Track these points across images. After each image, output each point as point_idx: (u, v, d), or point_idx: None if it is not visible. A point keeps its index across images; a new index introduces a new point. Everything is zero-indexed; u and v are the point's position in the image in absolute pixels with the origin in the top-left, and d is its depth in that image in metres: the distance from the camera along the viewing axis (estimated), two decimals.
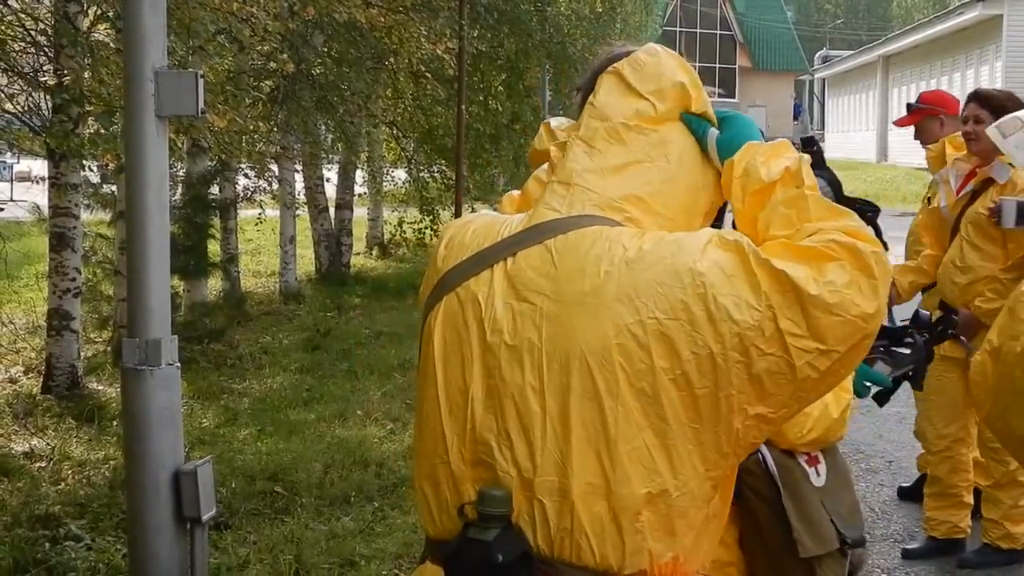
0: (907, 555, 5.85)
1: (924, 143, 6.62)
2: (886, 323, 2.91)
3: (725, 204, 2.21)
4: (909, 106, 6.74)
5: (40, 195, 11.22)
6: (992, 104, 5.47)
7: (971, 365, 3.21)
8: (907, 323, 2.99)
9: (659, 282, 1.91)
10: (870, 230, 1.98)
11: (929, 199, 6.68)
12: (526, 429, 1.95)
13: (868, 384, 2.74)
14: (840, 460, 2.74)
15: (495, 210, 2.45)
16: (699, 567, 2.05)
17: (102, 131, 7.95)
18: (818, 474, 2.53)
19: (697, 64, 60.59)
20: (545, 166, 2.35)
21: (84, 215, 9.70)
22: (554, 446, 1.92)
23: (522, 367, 1.96)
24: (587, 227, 2.01)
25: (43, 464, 7.03)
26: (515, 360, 1.97)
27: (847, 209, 2.02)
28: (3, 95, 9.13)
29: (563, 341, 1.94)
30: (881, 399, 3.10)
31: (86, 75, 8.02)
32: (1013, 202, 5.34)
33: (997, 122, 4.62)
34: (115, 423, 7.69)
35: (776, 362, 1.90)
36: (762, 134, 2.18)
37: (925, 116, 6.55)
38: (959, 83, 36.50)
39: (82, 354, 9.12)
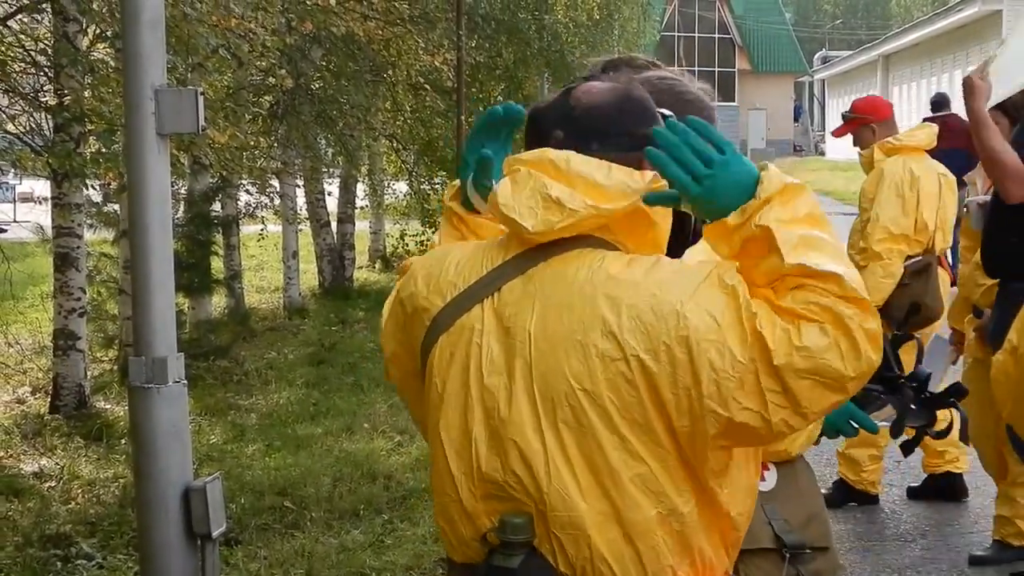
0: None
1: (862, 148, 6.68)
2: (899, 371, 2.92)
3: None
4: (844, 116, 6.81)
5: (43, 215, 11.26)
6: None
7: (993, 364, 3.20)
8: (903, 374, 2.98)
9: (644, 320, 1.90)
10: (857, 278, 1.90)
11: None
12: (530, 467, 1.95)
13: (855, 425, 2.74)
14: (803, 478, 2.75)
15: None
16: (725, 569, 2.07)
17: (103, 150, 7.96)
18: (763, 479, 2.55)
19: (696, 69, 60.71)
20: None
21: (87, 234, 9.71)
22: (559, 482, 1.93)
23: (520, 407, 1.97)
24: (568, 251, 2.00)
25: (53, 484, 7.03)
26: (512, 400, 1.97)
27: (825, 238, 1.93)
28: (5, 116, 9.16)
29: (554, 378, 1.94)
30: (907, 449, 3.11)
31: (86, 94, 8.04)
32: (976, 203, 5.39)
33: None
34: (123, 441, 7.69)
35: (754, 417, 1.89)
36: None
37: (858, 125, 6.63)
38: (960, 80, 36.47)
39: (89, 373, 9.13)
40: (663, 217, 2.06)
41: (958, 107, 6.65)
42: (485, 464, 1.99)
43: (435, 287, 2.11)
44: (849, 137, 6.82)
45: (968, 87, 5.02)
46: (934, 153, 6.49)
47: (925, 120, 6.81)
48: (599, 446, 1.91)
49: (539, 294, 1.98)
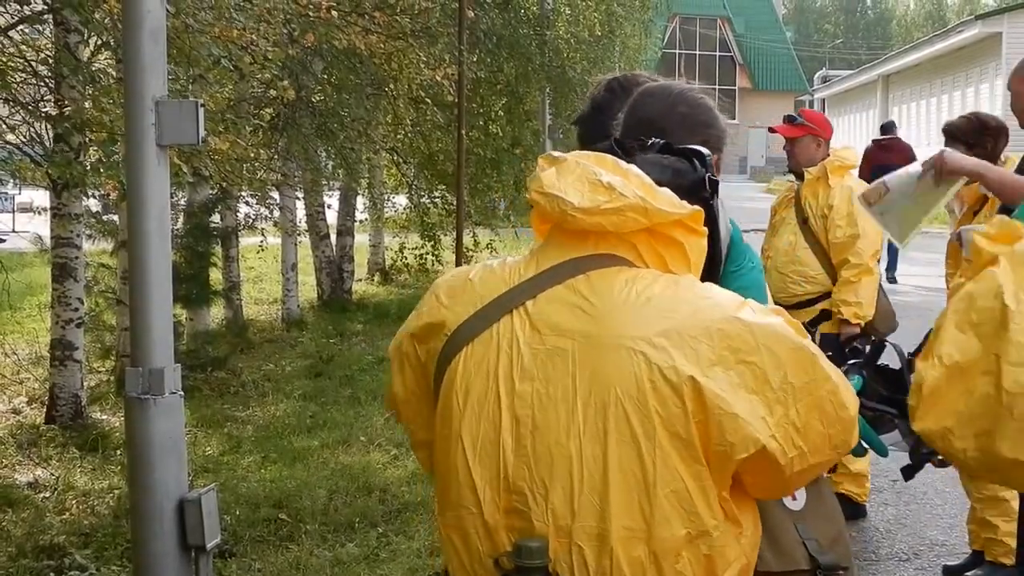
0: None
1: (797, 158, 6.60)
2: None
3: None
4: (793, 119, 6.66)
5: (42, 226, 11.23)
6: (955, 134, 5.55)
7: (918, 372, 3.20)
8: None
9: (691, 335, 1.90)
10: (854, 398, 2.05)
11: (780, 219, 6.71)
12: (561, 476, 1.92)
13: (865, 445, 2.73)
14: (827, 496, 2.75)
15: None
16: None
17: (103, 160, 7.96)
18: (794, 499, 2.54)
19: (697, 86, 60.42)
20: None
21: (86, 245, 9.71)
22: (591, 492, 1.90)
23: (556, 413, 1.94)
24: (607, 267, 2.00)
25: (47, 494, 7.02)
26: (549, 407, 1.94)
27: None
28: (5, 126, 9.16)
29: (598, 386, 1.91)
30: (908, 473, 3.09)
31: (87, 104, 8.04)
32: (971, 232, 5.38)
33: (862, 192, 4.67)
34: (119, 452, 7.69)
35: (778, 450, 1.91)
36: None
37: (806, 134, 6.55)
38: (959, 101, 36.57)
39: (85, 384, 9.12)
40: (692, 250, 2.07)
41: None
42: (513, 473, 1.96)
43: (458, 299, 2.10)
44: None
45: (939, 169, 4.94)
46: (881, 167, 6.57)
47: (874, 141, 6.87)
48: (639, 457, 1.89)
49: (583, 303, 1.97)
